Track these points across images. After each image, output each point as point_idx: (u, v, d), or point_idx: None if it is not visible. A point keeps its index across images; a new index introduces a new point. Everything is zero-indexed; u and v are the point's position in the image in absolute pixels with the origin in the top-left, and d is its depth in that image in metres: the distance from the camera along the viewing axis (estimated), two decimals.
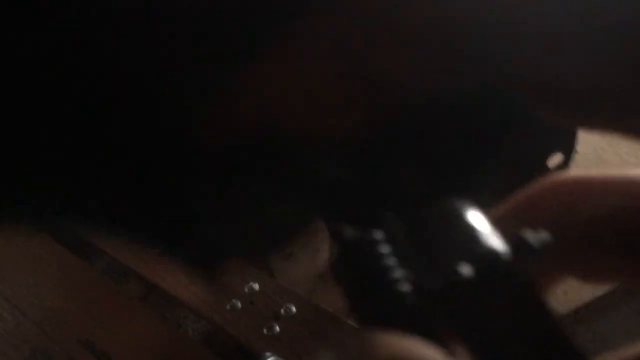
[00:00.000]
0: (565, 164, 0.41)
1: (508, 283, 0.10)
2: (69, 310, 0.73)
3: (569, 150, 0.40)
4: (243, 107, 0.10)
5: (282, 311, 0.65)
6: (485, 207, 0.12)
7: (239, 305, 0.69)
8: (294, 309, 0.65)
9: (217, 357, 0.69)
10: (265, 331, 0.67)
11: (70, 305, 0.74)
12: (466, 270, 0.10)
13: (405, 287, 0.10)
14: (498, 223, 0.11)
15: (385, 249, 0.11)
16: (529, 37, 0.09)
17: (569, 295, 0.66)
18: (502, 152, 0.37)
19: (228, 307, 0.69)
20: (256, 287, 0.69)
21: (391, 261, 0.11)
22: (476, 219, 0.11)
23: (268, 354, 0.61)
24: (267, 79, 0.09)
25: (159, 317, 0.73)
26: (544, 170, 0.39)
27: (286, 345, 0.64)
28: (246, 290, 0.70)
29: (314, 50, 0.09)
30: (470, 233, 0.11)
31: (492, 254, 0.10)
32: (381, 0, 0.09)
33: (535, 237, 0.10)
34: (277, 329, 0.66)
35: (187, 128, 0.11)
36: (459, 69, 0.10)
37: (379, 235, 0.11)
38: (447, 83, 0.10)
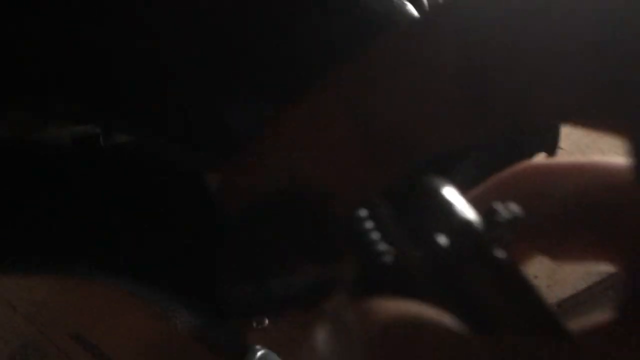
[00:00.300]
0: None
1: (481, 251, 0.10)
2: (59, 305, 0.74)
3: (552, 149, 0.41)
4: (269, 163, 0.10)
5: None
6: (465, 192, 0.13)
7: None
8: None
9: (204, 348, 0.70)
10: (254, 324, 0.68)
11: (60, 299, 0.74)
12: (442, 240, 0.11)
13: (389, 259, 0.11)
14: (474, 202, 0.12)
15: (369, 225, 0.12)
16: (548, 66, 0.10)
17: (551, 288, 0.67)
18: (488, 152, 0.38)
19: None
20: None
21: (375, 236, 0.12)
22: (452, 194, 0.12)
23: (257, 346, 0.62)
24: (291, 137, 0.10)
25: (148, 310, 0.74)
26: None
27: (274, 337, 0.65)
28: None
29: (334, 109, 0.10)
30: (447, 207, 0.11)
31: (466, 224, 0.11)
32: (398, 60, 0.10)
33: (507, 209, 0.11)
34: (267, 322, 0.67)
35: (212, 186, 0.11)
36: (479, 123, 0.10)
37: (363, 212, 0.12)
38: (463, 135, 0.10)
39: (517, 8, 0.10)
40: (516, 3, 0.10)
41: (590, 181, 0.12)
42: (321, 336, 0.11)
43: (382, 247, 0.11)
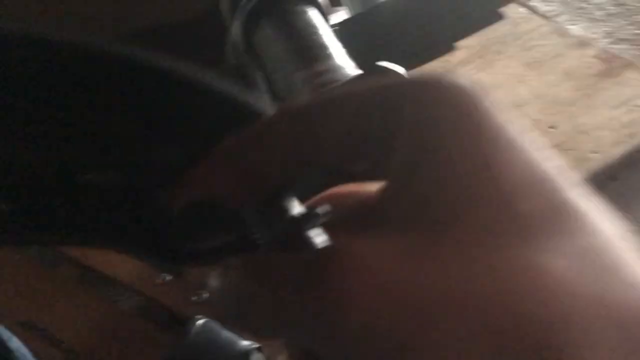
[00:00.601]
0: None
1: (301, 232, 0.19)
2: (7, 296, 0.76)
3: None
4: (196, 185, 0.19)
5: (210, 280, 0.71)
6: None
7: (168, 277, 0.76)
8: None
9: (151, 327, 0.74)
10: (194, 298, 0.73)
11: (7, 291, 0.77)
12: (283, 228, 0.19)
13: (257, 237, 0.20)
14: (308, 205, 0.20)
15: (249, 219, 0.20)
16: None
17: None
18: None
19: (158, 280, 0.76)
20: None
21: (252, 225, 0.20)
22: (293, 202, 0.20)
23: (198, 316, 0.67)
24: (208, 174, 0.18)
25: (95, 295, 0.77)
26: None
27: (214, 311, 0.70)
28: None
29: (227, 161, 0.18)
30: (286, 209, 0.20)
31: (295, 216, 0.19)
32: None
33: (320, 208, 0.19)
34: (205, 296, 0.73)
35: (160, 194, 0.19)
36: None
37: (248, 212, 0.20)
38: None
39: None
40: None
41: (360, 197, 0.21)
42: (220, 279, 0.19)
43: (255, 230, 0.20)
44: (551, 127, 0.88)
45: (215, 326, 0.66)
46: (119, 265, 0.79)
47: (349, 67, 0.47)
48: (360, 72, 0.46)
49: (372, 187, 0.19)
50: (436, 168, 0.16)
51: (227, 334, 0.66)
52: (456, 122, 0.16)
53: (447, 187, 0.16)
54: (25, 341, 0.73)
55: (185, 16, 0.75)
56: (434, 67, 1.04)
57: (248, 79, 0.61)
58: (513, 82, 0.96)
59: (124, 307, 0.77)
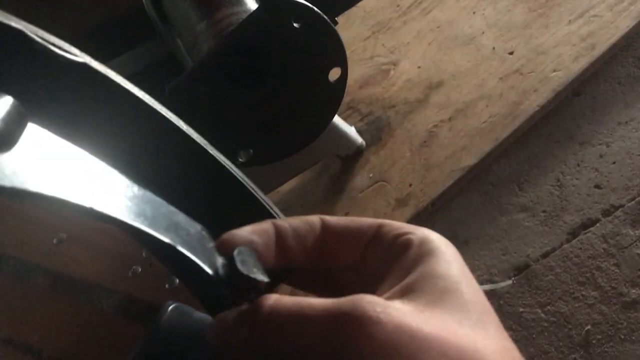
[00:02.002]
0: (343, 77, 0.48)
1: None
2: None
3: (344, 65, 0.47)
4: None
5: None
6: None
7: (139, 269, 0.75)
8: None
9: (131, 321, 0.74)
10: (167, 286, 0.72)
11: None
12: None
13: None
14: None
15: None
16: None
17: (425, 191, 0.75)
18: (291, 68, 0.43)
19: (130, 274, 0.75)
20: None
21: None
22: None
23: (169, 302, 0.66)
24: None
25: (71, 300, 0.77)
26: (325, 82, 0.45)
27: (187, 293, 0.69)
28: (143, 254, 0.75)
29: None
30: None
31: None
32: None
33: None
34: (177, 281, 0.72)
35: None
36: None
37: None
38: None
39: None
40: None
41: None
42: None
43: None
44: (510, 52, 0.85)
45: (187, 308, 0.65)
46: (89, 266, 0.78)
47: (248, 10, 0.44)
48: (255, 8, 0.43)
49: None
50: None
51: (199, 315, 0.64)
52: None
53: None
54: (6, 357, 0.73)
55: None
56: (385, 14, 1.01)
57: (171, 50, 0.58)
58: (467, 15, 0.93)
59: (101, 307, 0.76)
